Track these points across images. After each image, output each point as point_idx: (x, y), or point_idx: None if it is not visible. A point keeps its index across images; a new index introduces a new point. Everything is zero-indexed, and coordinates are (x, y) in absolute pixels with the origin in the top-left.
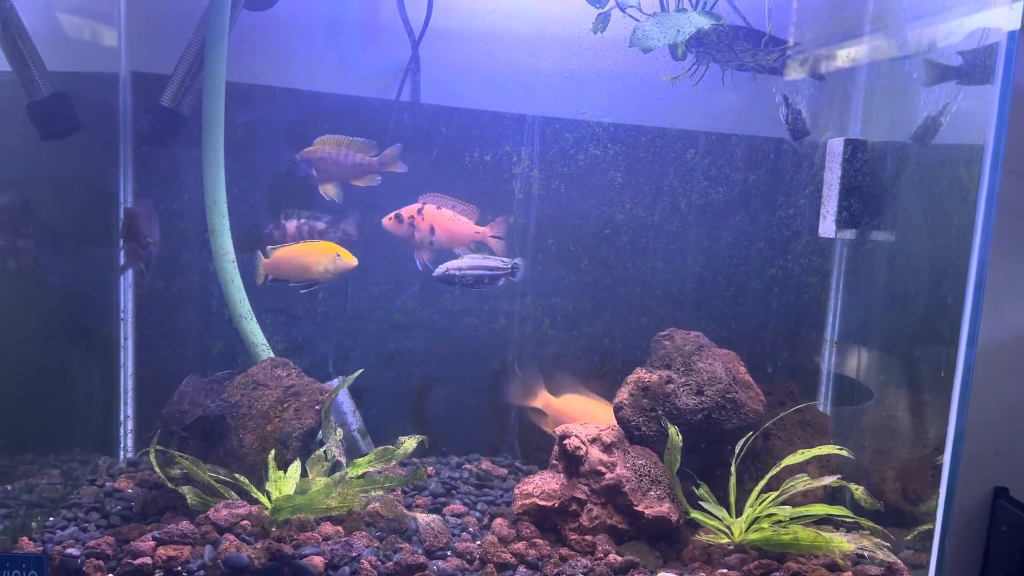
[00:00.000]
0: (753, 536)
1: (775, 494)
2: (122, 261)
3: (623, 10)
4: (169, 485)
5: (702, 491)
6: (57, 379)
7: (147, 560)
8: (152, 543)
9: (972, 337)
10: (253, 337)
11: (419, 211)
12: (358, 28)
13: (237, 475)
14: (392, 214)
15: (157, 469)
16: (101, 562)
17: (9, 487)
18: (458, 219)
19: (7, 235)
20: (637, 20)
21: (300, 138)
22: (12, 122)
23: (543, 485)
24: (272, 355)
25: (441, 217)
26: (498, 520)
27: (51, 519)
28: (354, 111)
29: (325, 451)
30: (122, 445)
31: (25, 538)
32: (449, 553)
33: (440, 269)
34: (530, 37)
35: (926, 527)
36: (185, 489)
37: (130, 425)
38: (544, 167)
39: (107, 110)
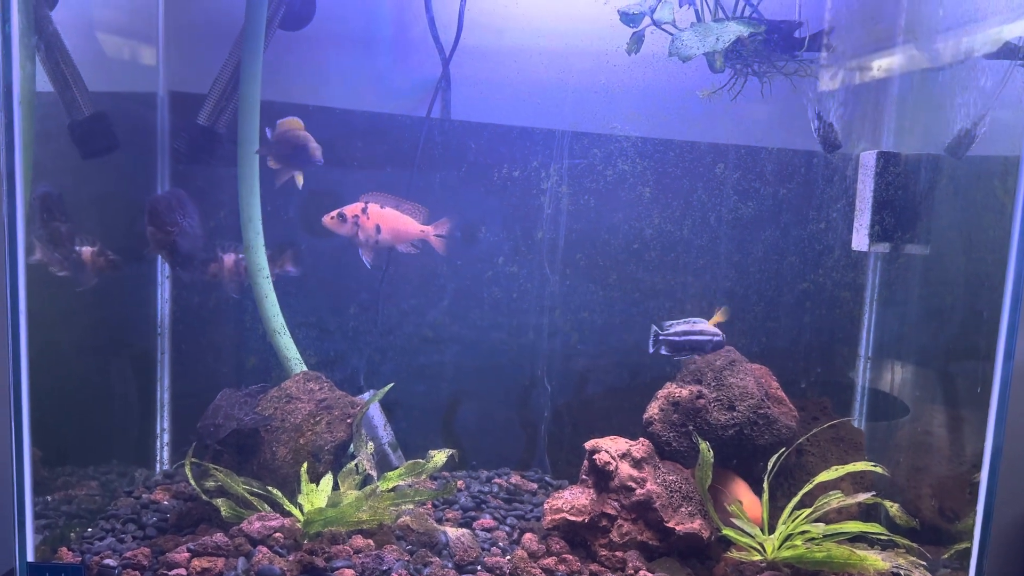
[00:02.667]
0: (786, 553)
1: (808, 511)
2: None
3: (659, 26)
4: (204, 497)
5: (734, 507)
6: (96, 392)
7: (182, 571)
8: (187, 555)
9: (1009, 351)
10: (286, 351)
11: (363, 210)
12: (390, 47)
13: (270, 488)
14: (335, 212)
15: (192, 482)
16: (137, 573)
17: (49, 498)
18: (403, 218)
19: (47, 222)
20: (671, 35)
21: (333, 155)
22: (54, 141)
23: (573, 500)
24: (305, 369)
25: (386, 216)
26: (528, 535)
27: (89, 530)
28: (386, 128)
29: (356, 464)
30: (158, 458)
31: (64, 548)
32: (479, 567)
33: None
34: (559, 53)
35: (963, 545)
36: (219, 501)
37: (166, 438)
38: (573, 182)
39: (145, 129)
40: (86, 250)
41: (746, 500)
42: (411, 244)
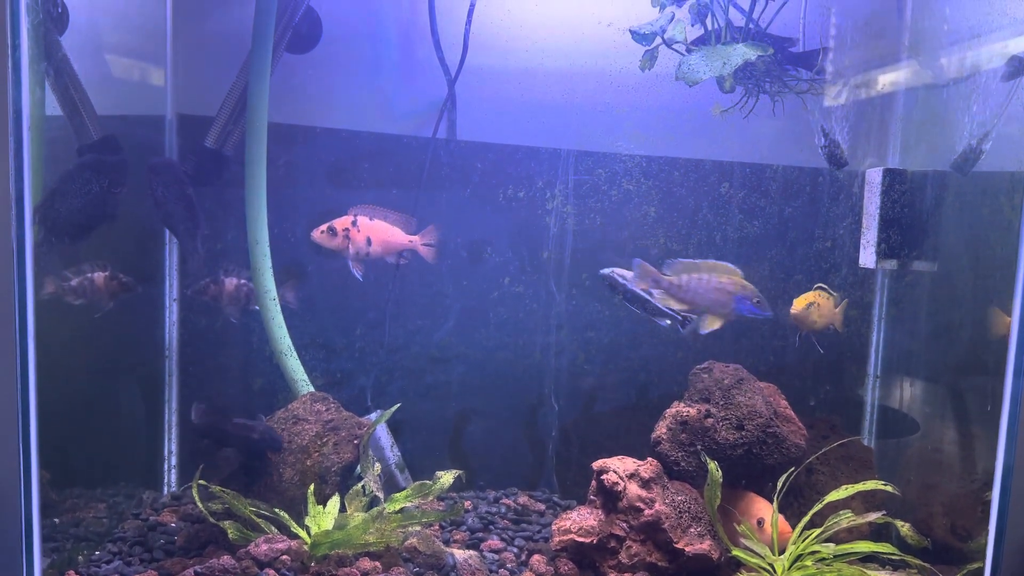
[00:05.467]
0: (796, 574)
1: (819, 531)
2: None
3: (669, 45)
4: (211, 520)
5: (743, 527)
6: (104, 415)
7: None
8: None
9: (1019, 368)
10: (293, 373)
11: (353, 223)
12: (395, 68)
13: (277, 510)
14: (324, 226)
15: (199, 504)
16: None
17: (57, 520)
18: (392, 229)
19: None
20: (682, 54)
21: (340, 177)
22: (63, 165)
23: (581, 521)
24: (312, 390)
25: (376, 228)
26: (536, 556)
27: (97, 553)
28: (392, 149)
29: (363, 486)
30: (166, 479)
31: (72, 572)
32: None
33: (607, 270)
34: (564, 73)
35: (976, 565)
36: (226, 524)
37: (174, 460)
38: (578, 201)
39: (154, 152)
40: (99, 275)
41: (769, 517)
42: (400, 255)
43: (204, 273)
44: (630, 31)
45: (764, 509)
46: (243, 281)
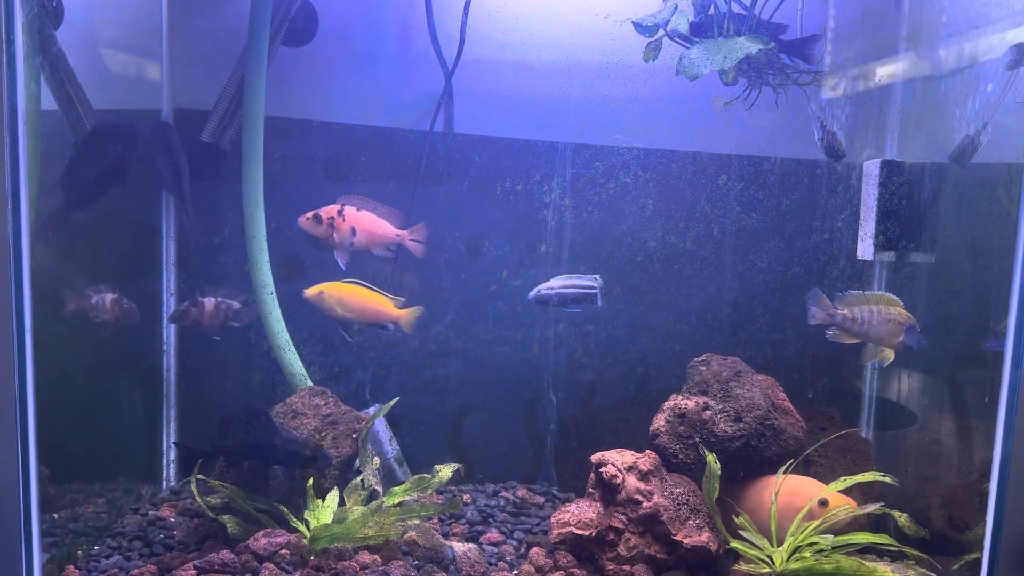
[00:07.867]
0: (795, 565)
1: (817, 522)
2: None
3: (672, 38)
4: (210, 514)
5: (742, 520)
6: (103, 410)
7: None
8: (193, 572)
9: (1016, 359)
10: (292, 368)
11: (339, 212)
12: (392, 61)
13: (276, 503)
14: (310, 213)
15: (198, 498)
16: None
17: (56, 516)
18: (379, 221)
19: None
20: (684, 46)
21: (337, 171)
22: (59, 159)
23: (580, 514)
24: (310, 384)
25: (362, 219)
26: (535, 549)
27: (96, 548)
28: (389, 142)
29: (362, 479)
30: (165, 474)
31: (71, 567)
32: None
33: (533, 293)
34: (561, 66)
35: (974, 556)
36: (225, 518)
37: (172, 455)
38: (576, 194)
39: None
40: (108, 297)
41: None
42: (387, 248)
43: (197, 233)
44: (633, 23)
45: (810, 485)
46: (222, 300)
